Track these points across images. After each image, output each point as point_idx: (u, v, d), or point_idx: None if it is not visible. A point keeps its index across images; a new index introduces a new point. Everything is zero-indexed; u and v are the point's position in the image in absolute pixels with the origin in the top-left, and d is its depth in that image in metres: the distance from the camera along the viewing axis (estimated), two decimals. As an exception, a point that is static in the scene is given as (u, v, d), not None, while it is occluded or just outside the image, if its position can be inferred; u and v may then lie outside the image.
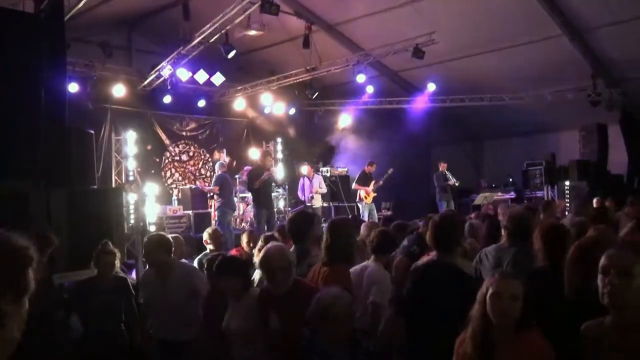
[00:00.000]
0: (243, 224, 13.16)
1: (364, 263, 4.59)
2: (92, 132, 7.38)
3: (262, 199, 11.01)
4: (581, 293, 3.17)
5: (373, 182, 13.77)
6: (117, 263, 5.08)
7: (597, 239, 3.60)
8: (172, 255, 4.95)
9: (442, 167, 14.30)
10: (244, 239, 6.79)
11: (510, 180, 16.42)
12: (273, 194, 13.76)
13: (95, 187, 7.54)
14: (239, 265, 4.27)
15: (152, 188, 12.30)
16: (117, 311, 4.93)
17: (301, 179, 13.50)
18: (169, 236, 5.39)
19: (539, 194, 15.04)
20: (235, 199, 12.77)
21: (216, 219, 11.89)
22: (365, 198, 13.73)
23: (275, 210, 12.34)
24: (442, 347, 2.90)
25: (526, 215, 4.87)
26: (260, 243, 5.38)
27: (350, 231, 4.60)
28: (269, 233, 6.41)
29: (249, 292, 4.07)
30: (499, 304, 2.58)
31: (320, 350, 3.20)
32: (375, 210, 13.89)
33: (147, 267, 5.15)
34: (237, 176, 13.31)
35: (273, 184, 11.89)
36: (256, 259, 4.59)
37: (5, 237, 1.40)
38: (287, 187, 14.09)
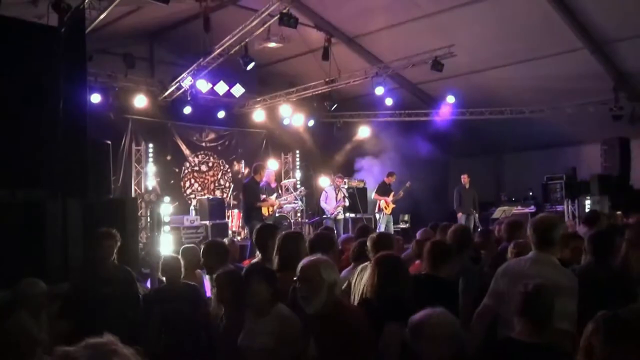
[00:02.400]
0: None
1: None
2: (109, 142, 7.47)
3: (254, 213, 10.54)
4: None
5: (392, 193, 13.77)
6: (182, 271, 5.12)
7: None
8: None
9: (464, 179, 14.20)
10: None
11: (530, 194, 16.24)
12: (291, 206, 13.83)
13: (111, 197, 7.64)
14: (270, 272, 3.99)
15: (170, 198, 12.41)
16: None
17: (325, 190, 13.46)
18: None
19: (559, 208, 14.84)
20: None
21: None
22: (385, 209, 13.72)
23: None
24: None
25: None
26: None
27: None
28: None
29: (278, 306, 3.70)
30: None
31: None
32: (392, 223, 13.86)
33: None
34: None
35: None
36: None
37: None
38: (304, 198, 14.10)
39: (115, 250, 4.95)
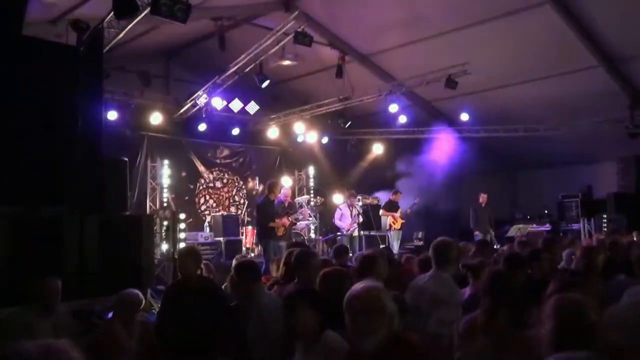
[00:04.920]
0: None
1: None
2: (126, 159, 7.55)
3: (268, 231, 10.50)
4: None
5: (399, 210, 13.79)
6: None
7: None
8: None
9: (482, 198, 14.14)
10: (274, 267, 6.82)
11: (546, 212, 16.11)
12: (305, 223, 13.83)
13: (128, 213, 7.70)
14: (316, 296, 3.56)
15: (185, 215, 12.46)
16: None
17: (339, 208, 13.46)
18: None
19: (575, 226, 14.72)
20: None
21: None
22: (394, 224, 13.72)
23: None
24: None
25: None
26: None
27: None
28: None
29: (326, 334, 3.32)
30: None
31: None
32: (400, 239, 13.90)
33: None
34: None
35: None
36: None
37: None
38: (317, 215, 14.09)
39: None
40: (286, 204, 11.52)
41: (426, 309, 4.43)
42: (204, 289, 5.11)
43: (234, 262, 6.86)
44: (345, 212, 13.13)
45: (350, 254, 8.45)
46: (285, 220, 10.98)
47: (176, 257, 5.42)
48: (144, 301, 4.90)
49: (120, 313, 4.72)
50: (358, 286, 2.87)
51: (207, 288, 5.17)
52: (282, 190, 11.24)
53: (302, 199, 15.09)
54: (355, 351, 2.86)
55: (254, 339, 4.32)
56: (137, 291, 4.77)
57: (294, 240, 12.16)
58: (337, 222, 13.32)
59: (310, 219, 13.92)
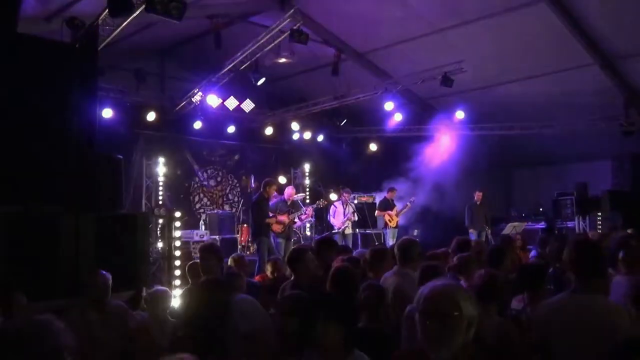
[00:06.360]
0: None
1: None
2: (122, 157, 7.51)
3: (263, 229, 10.63)
4: None
5: (395, 207, 13.80)
6: None
7: None
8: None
9: (477, 196, 14.14)
10: (269, 268, 6.81)
11: (541, 210, 16.15)
12: (307, 221, 13.87)
13: (123, 211, 7.66)
14: (342, 306, 3.00)
15: (179, 213, 12.42)
16: None
17: (333, 205, 13.45)
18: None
19: (570, 224, 14.76)
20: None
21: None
22: (390, 222, 13.72)
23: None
24: None
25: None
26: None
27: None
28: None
29: (356, 354, 2.86)
30: None
31: None
32: (396, 237, 13.86)
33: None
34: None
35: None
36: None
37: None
38: (314, 213, 14.08)
39: None
40: (289, 203, 11.57)
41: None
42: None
43: (229, 260, 6.87)
44: (339, 209, 13.13)
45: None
46: (285, 218, 10.99)
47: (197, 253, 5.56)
48: (172, 297, 5.15)
49: (152, 309, 5.02)
50: (431, 285, 2.40)
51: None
52: (286, 189, 11.35)
53: (297, 197, 15.05)
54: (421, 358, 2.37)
55: None
56: (166, 288, 5.16)
57: (294, 238, 12.28)
58: (330, 219, 13.33)
59: (312, 218, 13.94)
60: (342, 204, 13.14)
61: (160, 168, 13.27)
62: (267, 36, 10.73)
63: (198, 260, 6.36)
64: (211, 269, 5.15)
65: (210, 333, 3.98)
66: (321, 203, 13.07)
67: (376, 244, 11.96)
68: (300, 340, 3.08)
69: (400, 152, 15.31)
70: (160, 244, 9.94)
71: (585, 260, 3.38)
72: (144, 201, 13.19)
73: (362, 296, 4.03)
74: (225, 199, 15.09)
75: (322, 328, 2.84)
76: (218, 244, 12.26)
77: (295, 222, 12.25)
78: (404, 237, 5.42)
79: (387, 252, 5.36)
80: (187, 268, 6.29)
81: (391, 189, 14.08)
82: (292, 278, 5.08)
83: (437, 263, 4.88)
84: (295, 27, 10.23)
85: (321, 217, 14.79)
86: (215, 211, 13.83)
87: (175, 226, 9.31)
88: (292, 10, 10.33)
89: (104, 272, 4.98)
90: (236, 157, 15.37)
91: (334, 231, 13.15)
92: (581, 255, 3.42)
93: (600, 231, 12.84)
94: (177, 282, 8.06)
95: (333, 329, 2.82)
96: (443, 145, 15.09)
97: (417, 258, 5.06)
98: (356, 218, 13.26)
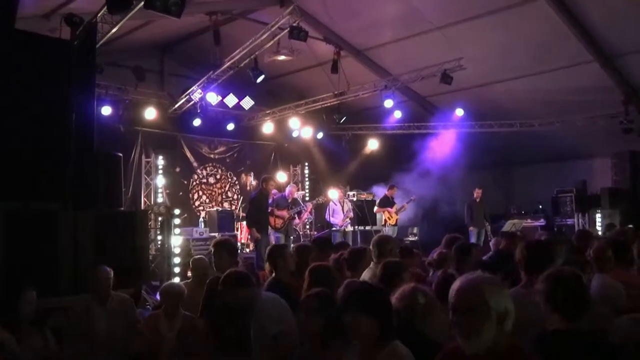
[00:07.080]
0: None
1: None
2: (121, 154, 7.51)
3: (260, 226, 10.67)
4: None
5: (395, 205, 13.79)
6: None
7: None
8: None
9: (477, 194, 14.13)
10: (267, 266, 6.78)
11: (540, 207, 16.15)
12: (306, 218, 13.90)
13: (122, 209, 7.67)
14: (374, 298, 2.94)
15: (179, 210, 12.43)
16: None
17: (330, 203, 13.44)
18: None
19: (569, 221, 14.76)
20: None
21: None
22: (389, 219, 13.71)
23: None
24: None
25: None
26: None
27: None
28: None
29: (393, 344, 2.82)
30: None
31: None
32: (396, 234, 13.85)
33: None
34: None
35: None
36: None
37: None
38: (313, 211, 14.09)
39: None
40: (290, 200, 11.57)
41: None
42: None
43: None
44: (337, 207, 13.13)
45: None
46: (284, 213, 11.00)
47: (212, 249, 5.52)
48: (185, 292, 5.15)
49: (166, 304, 5.05)
50: (462, 279, 2.45)
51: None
52: (288, 187, 11.38)
53: (297, 194, 15.06)
54: (459, 352, 2.41)
55: None
56: (181, 283, 5.23)
57: (293, 236, 12.30)
58: (329, 218, 13.31)
59: (312, 215, 13.94)
60: (340, 203, 13.15)
61: (160, 165, 13.26)
62: (267, 33, 10.73)
63: (202, 256, 6.40)
64: (224, 265, 5.12)
65: (238, 331, 3.99)
66: (320, 199, 13.07)
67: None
68: (327, 337, 3.12)
69: (399, 149, 15.31)
70: (159, 242, 9.95)
71: (532, 258, 3.95)
72: (143, 199, 13.21)
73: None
74: (224, 197, 15.09)
75: (353, 321, 2.83)
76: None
77: (294, 219, 12.26)
78: (379, 234, 5.63)
79: (366, 251, 5.37)
80: (191, 262, 6.20)
81: (391, 187, 14.08)
82: (272, 275, 5.06)
83: (399, 260, 4.83)
84: (294, 24, 10.22)
85: (320, 215, 14.78)
86: (215, 209, 13.82)
87: (174, 223, 9.32)
88: (291, 7, 10.33)
89: (105, 267, 4.99)
90: (235, 155, 15.36)
91: (334, 229, 13.15)
92: (530, 254, 3.99)
93: (599, 229, 12.87)
94: (176, 279, 8.07)
95: (365, 321, 2.80)
96: (442, 143, 15.08)
97: (392, 254, 5.10)
98: (352, 215, 13.27)
